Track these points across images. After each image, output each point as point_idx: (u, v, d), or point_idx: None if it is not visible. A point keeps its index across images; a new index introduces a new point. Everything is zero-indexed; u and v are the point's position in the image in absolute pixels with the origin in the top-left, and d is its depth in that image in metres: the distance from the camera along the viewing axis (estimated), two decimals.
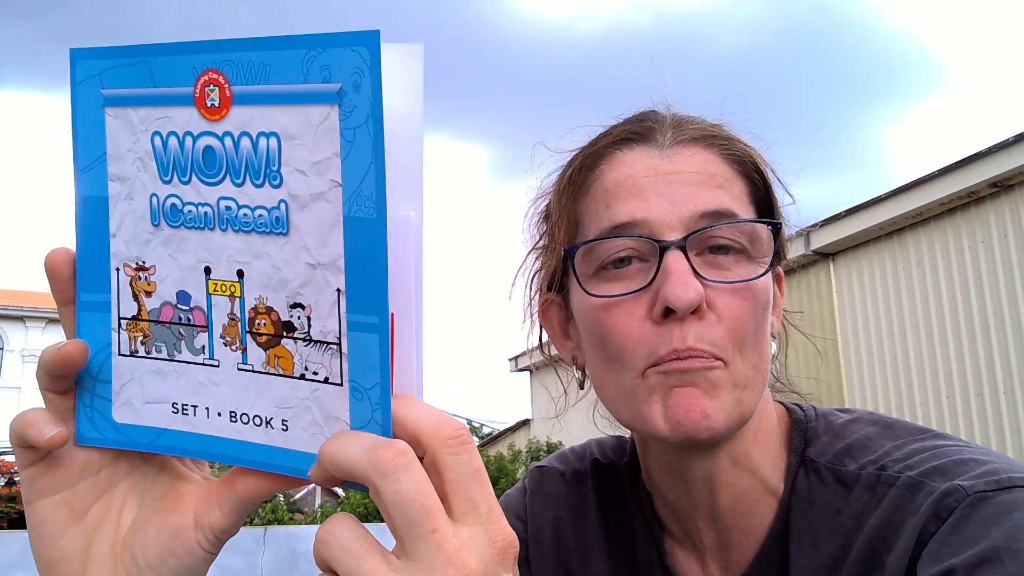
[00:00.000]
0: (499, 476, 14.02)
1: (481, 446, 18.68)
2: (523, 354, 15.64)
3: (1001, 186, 7.33)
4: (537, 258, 1.00)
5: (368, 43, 0.47)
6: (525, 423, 16.74)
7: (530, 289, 1.01)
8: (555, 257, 0.92)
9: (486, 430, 22.51)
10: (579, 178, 0.90)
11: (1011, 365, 7.12)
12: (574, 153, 0.94)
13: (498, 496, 1.12)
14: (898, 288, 8.19)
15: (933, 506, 0.72)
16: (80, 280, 0.59)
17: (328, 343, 0.52)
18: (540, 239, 0.99)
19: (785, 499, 0.87)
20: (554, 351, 1.02)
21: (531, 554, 1.04)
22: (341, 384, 0.52)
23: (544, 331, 1.01)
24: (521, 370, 16.05)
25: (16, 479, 22.26)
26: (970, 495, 0.71)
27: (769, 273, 0.84)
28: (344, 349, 0.51)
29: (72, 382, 0.60)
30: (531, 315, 1.02)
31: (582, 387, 0.97)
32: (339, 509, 15.55)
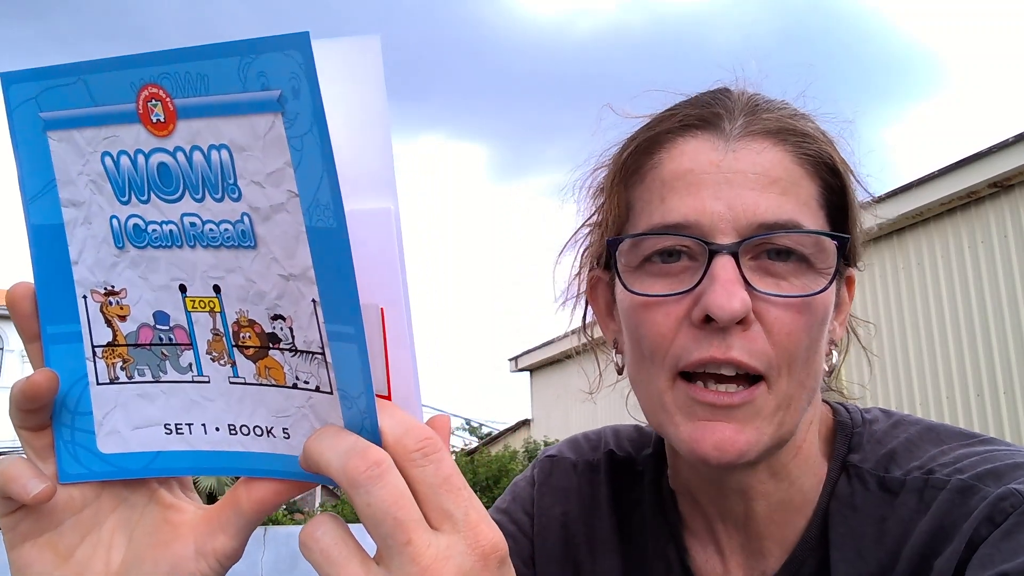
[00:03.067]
0: (500, 476, 13.99)
1: (482, 446, 18.66)
2: (523, 354, 15.62)
3: (1001, 186, 7.33)
4: (589, 233, 0.95)
5: (299, 46, 0.44)
6: (525, 423, 16.72)
7: (579, 266, 0.96)
8: (604, 238, 0.88)
9: (486, 430, 22.50)
10: (636, 162, 0.84)
11: (1011, 365, 7.12)
12: (636, 130, 0.87)
13: (502, 492, 1.11)
14: (898, 288, 8.18)
15: (987, 509, 0.70)
16: (43, 312, 0.57)
17: (313, 353, 0.51)
18: (595, 214, 0.93)
19: (822, 504, 0.84)
20: (597, 333, 0.98)
21: (536, 552, 1.00)
22: (331, 392, 0.52)
23: (590, 309, 0.97)
24: (521, 370, 16.03)
25: None
26: None
27: (833, 283, 0.78)
28: (328, 358, 0.51)
29: (47, 417, 0.58)
30: (578, 291, 0.98)
31: (621, 372, 0.91)
32: (338, 509, 15.56)
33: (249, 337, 0.53)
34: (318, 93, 0.44)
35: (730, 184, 0.77)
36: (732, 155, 0.78)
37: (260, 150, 0.47)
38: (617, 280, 0.82)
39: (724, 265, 0.74)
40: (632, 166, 0.85)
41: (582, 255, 0.96)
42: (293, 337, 0.52)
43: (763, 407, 0.76)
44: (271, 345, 0.53)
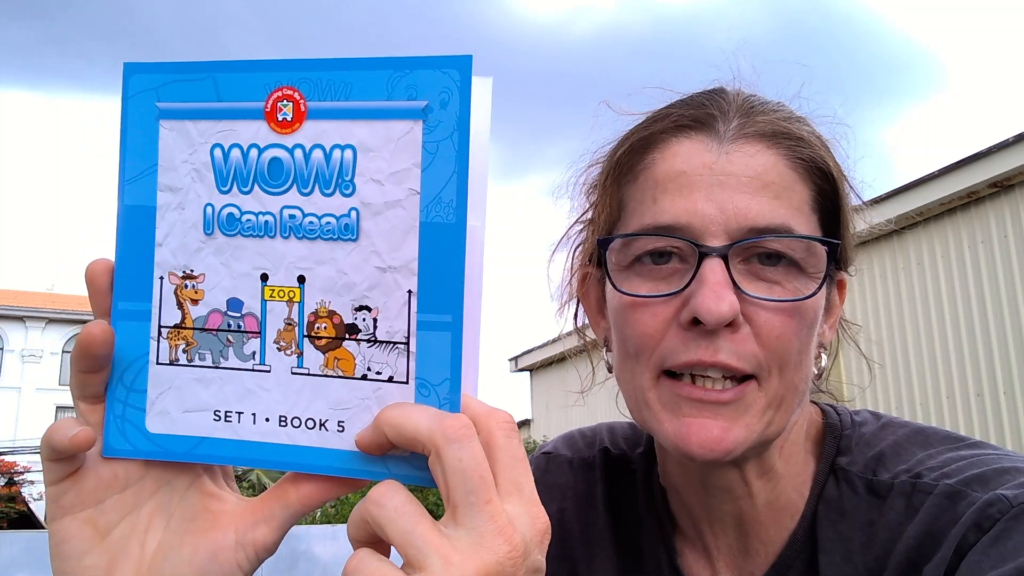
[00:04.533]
0: None
1: None
2: (523, 354, 15.63)
3: (1001, 186, 7.33)
4: (582, 230, 0.95)
5: (460, 66, 0.52)
6: (525, 423, 16.73)
7: (572, 263, 0.97)
8: (596, 236, 0.88)
9: None
10: (630, 161, 0.85)
11: (1011, 365, 7.12)
12: (631, 128, 0.88)
13: None
14: (898, 288, 8.19)
15: (975, 516, 0.70)
16: (118, 289, 0.59)
17: (395, 343, 0.55)
18: (587, 211, 0.94)
19: (810, 507, 0.84)
20: (590, 335, 0.98)
21: None
22: (406, 382, 0.55)
23: (581, 307, 0.97)
24: (521, 370, 16.03)
25: (16, 479, 22.22)
26: (1014, 506, 0.69)
27: (823, 287, 0.78)
28: (412, 348, 0.54)
29: (103, 385, 0.59)
30: (570, 292, 0.98)
31: (611, 371, 0.92)
32: (337, 509, 15.58)
33: (324, 328, 0.56)
34: (467, 106, 0.52)
35: (722, 187, 0.77)
36: (725, 157, 0.79)
37: (390, 151, 0.53)
38: (607, 279, 0.83)
39: (713, 268, 0.74)
40: (625, 165, 0.85)
41: (575, 252, 0.96)
42: (375, 327, 0.55)
43: (753, 404, 0.76)
44: (347, 336, 0.56)
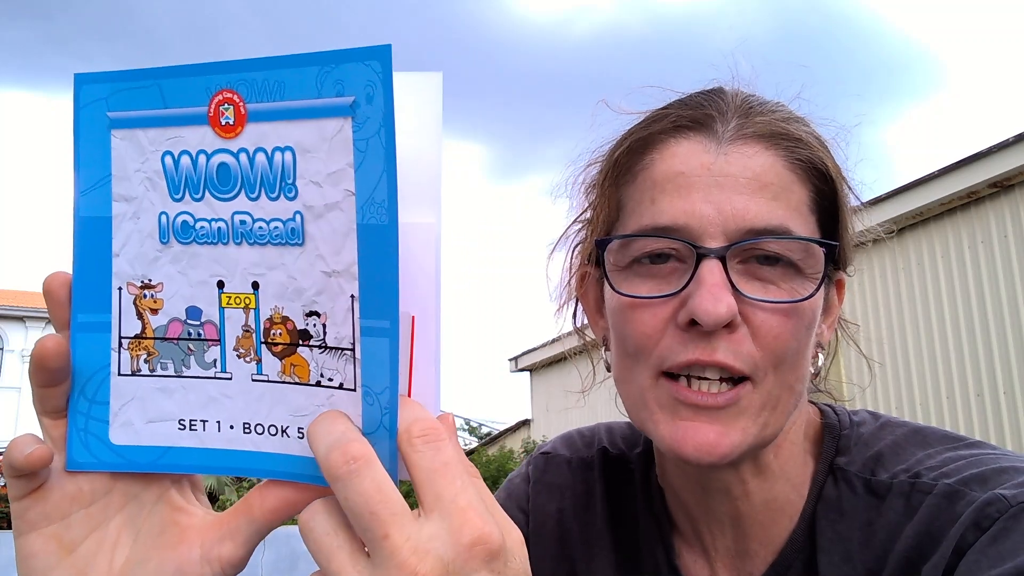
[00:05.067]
0: (499, 476, 13.99)
1: (480, 447, 18.65)
2: (523, 354, 15.62)
3: (1001, 186, 7.33)
4: (580, 229, 0.95)
5: (380, 57, 0.49)
6: (525, 423, 16.71)
7: (571, 262, 0.96)
8: (595, 236, 0.88)
9: (485, 430, 22.48)
10: (628, 161, 0.85)
11: (1011, 365, 7.12)
12: (629, 128, 0.87)
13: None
14: (898, 288, 8.18)
15: (973, 515, 0.69)
16: (76, 301, 0.58)
17: (343, 349, 0.53)
18: (586, 211, 0.94)
19: (809, 508, 0.84)
20: (589, 335, 0.98)
21: (532, 548, 1.00)
22: (354, 389, 0.53)
23: (580, 306, 0.97)
24: (521, 370, 16.02)
25: None
26: (1013, 505, 0.69)
27: (821, 289, 0.78)
28: (358, 354, 0.52)
29: (63, 400, 0.58)
30: (569, 292, 0.98)
31: (609, 369, 0.91)
32: None
33: (279, 334, 0.55)
34: (391, 99, 0.49)
35: (720, 188, 0.77)
36: (723, 158, 0.78)
37: (325, 152, 0.51)
38: (605, 279, 0.82)
39: (711, 269, 0.74)
40: (624, 165, 0.85)
41: (573, 252, 0.96)
42: (325, 333, 0.54)
43: (748, 406, 0.76)
44: (300, 342, 0.55)
